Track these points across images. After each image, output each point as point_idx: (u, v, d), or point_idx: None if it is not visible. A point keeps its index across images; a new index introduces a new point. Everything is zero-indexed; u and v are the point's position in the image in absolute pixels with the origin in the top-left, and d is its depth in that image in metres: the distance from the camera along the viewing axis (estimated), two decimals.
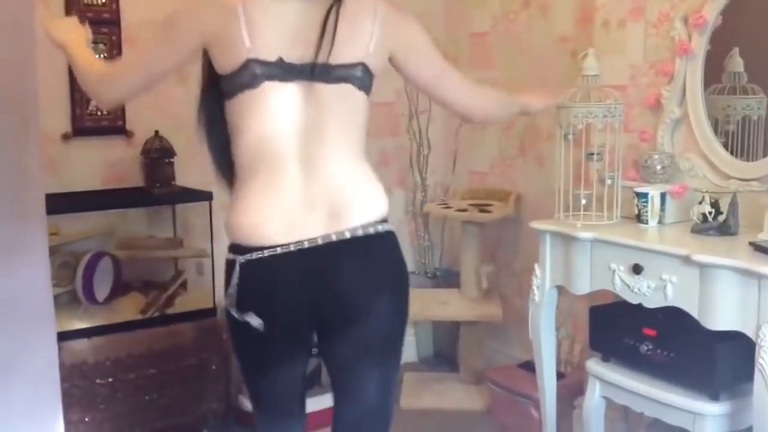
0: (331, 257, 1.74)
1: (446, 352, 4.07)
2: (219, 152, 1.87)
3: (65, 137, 3.26)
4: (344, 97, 1.76)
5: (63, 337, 2.60)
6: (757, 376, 2.08)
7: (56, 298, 2.22)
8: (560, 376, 3.01)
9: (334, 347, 1.83)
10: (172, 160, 3.26)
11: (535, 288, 2.76)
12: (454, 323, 3.81)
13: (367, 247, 1.77)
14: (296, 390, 1.93)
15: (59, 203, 2.81)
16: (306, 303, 1.75)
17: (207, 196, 3.09)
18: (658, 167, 2.67)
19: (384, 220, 1.81)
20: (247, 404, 3.03)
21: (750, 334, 2.12)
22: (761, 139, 2.58)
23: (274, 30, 1.72)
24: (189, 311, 3.17)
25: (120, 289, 3.19)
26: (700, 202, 2.47)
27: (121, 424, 2.96)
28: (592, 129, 2.71)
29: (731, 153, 2.62)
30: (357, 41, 1.76)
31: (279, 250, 1.71)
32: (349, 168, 1.78)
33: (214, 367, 3.12)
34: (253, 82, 1.71)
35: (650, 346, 2.45)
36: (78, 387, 2.82)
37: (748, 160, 2.59)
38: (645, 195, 2.58)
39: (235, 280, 1.74)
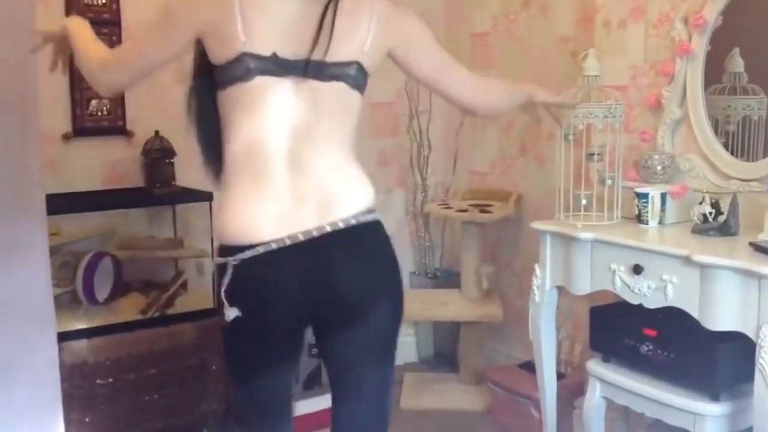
0: (327, 251, 1.72)
1: (446, 352, 4.07)
2: (207, 142, 1.86)
3: (65, 137, 3.26)
4: (337, 95, 1.75)
5: (63, 337, 2.60)
6: (757, 376, 2.08)
7: (56, 298, 2.22)
8: (560, 376, 3.01)
9: (335, 347, 1.82)
10: (172, 160, 3.26)
11: (535, 288, 2.76)
12: (454, 323, 3.80)
13: (360, 238, 1.76)
14: (289, 389, 1.92)
15: (60, 203, 2.81)
16: (305, 302, 1.74)
17: (207, 197, 3.09)
18: (659, 167, 2.67)
19: (371, 210, 1.80)
20: None
21: (750, 334, 2.12)
22: (761, 140, 2.58)
23: (270, 24, 1.71)
24: (189, 311, 3.17)
25: (120, 289, 3.19)
26: (701, 203, 2.47)
27: (122, 425, 2.96)
28: (593, 129, 2.71)
29: (732, 153, 2.62)
30: (352, 40, 1.75)
31: (274, 246, 1.69)
32: (338, 165, 1.77)
33: (214, 367, 3.12)
34: (245, 76, 1.70)
35: (651, 347, 2.45)
36: (78, 387, 2.81)
37: (748, 161, 2.59)
38: (645, 195, 2.58)
39: (226, 281, 1.72)
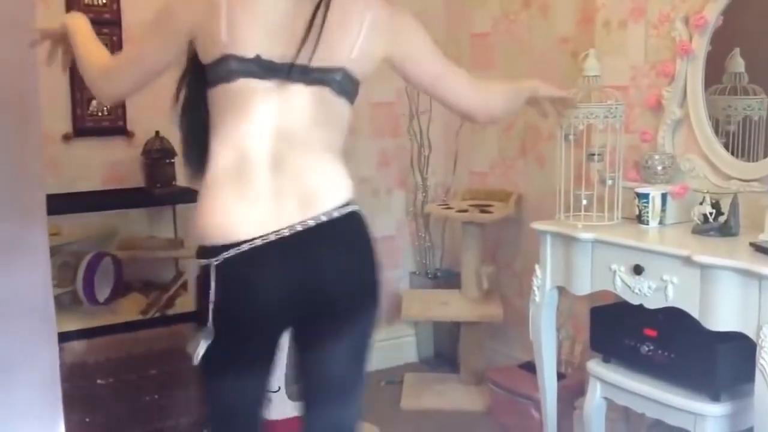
0: (311, 245, 1.70)
1: (447, 352, 4.07)
2: (190, 137, 1.85)
3: (66, 138, 3.26)
4: (321, 99, 1.73)
5: (64, 337, 2.59)
6: (757, 376, 2.08)
7: (57, 298, 2.22)
8: (561, 376, 3.01)
9: (316, 344, 1.79)
10: (172, 160, 3.26)
11: (535, 288, 2.76)
12: (454, 324, 3.80)
13: (342, 231, 1.74)
14: (259, 404, 1.88)
15: (60, 204, 2.81)
16: (290, 299, 1.71)
17: None
18: (659, 168, 2.67)
19: (350, 202, 1.77)
20: None
21: (751, 334, 2.12)
22: (762, 140, 2.57)
23: (256, 25, 1.70)
24: (190, 312, 3.15)
25: (121, 289, 3.19)
26: (701, 203, 2.47)
27: (122, 425, 2.96)
28: (593, 129, 2.71)
29: (732, 153, 2.62)
30: (339, 46, 1.73)
31: (259, 242, 1.67)
32: (319, 166, 1.74)
33: None
34: (228, 77, 1.69)
35: (651, 347, 2.45)
36: (78, 387, 2.81)
37: (748, 161, 2.58)
38: (646, 196, 2.58)
39: (212, 284, 1.69)
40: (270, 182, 1.69)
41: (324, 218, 1.71)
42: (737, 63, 2.64)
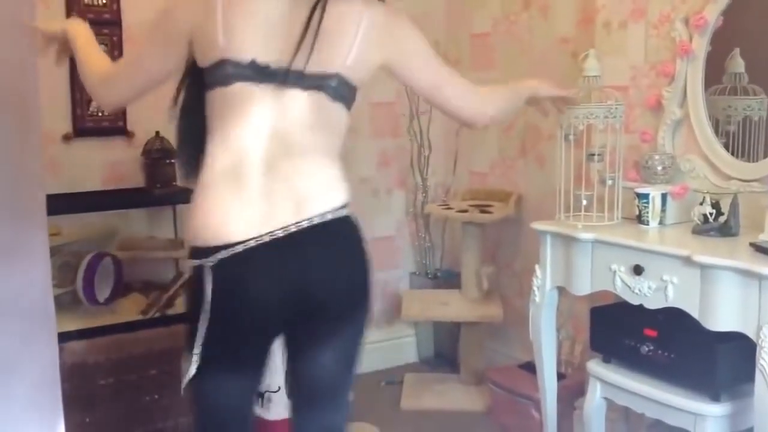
0: (304, 246, 1.69)
1: (447, 352, 4.07)
2: (186, 138, 1.86)
3: (66, 138, 3.26)
4: (317, 104, 1.72)
5: (64, 337, 2.59)
6: (758, 376, 2.08)
7: (57, 298, 2.21)
8: (561, 376, 3.01)
9: (308, 349, 1.79)
10: (172, 160, 3.26)
11: (535, 289, 2.76)
12: (454, 324, 3.80)
13: (335, 234, 1.74)
14: (249, 408, 1.87)
15: (60, 204, 2.81)
16: (283, 301, 1.70)
17: None
18: (659, 168, 2.67)
19: (345, 206, 1.76)
20: None
21: (751, 334, 2.12)
22: (762, 140, 2.57)
23: (251, 28, 1.70)
24: None
25: (121, 289, 3.19)
26: (701, 203, 2.47)
27: (122, 425, 2.96)
28: (593, 130, 2.71)
29: (732, 154, 2.62)
30: (335, 52, 1.72)
31: (253, 243, 1.66)
32: (314, 169, 1.73)
33: None
34: (225, 81, 1.69)
35: (651, 347, 2.45)
36: (79, 387, 2.81)
37: (749, 161, 2.59)
38: (646, 196, 2.58)
39: (206, 285, 1.68)
40: (264, 184, 1.69)
41: (317, 220, 1.70)
42: (737, 63, 2.64)
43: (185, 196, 3.21)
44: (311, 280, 1.71)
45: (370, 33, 1.75)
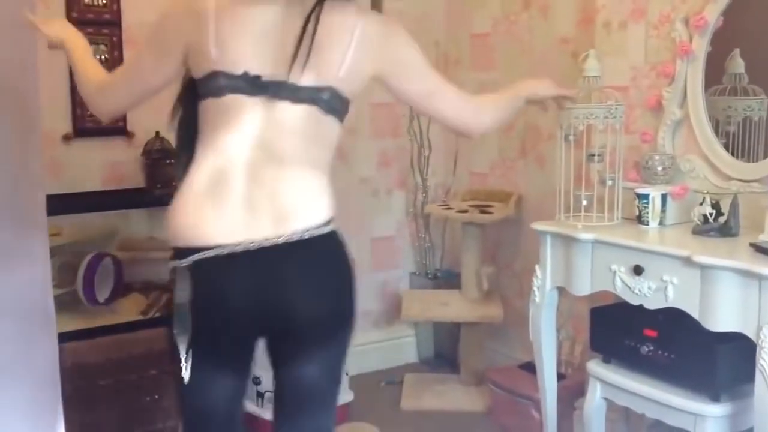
0: (279, 263, 1.67)
1: (447, 353, 4.07)
2: (183, 149, 1.85)
3: (66, 138, 3.26)
4: (308, 117, 1.71)
5: (64, 337, 2.59)
6: (758, 377, 2.08)
7: (57, 298, 2.22)
8: (561, 377, 3.01)
9: (284, 365, 1.78)
10: (173, 161, 3.26)
11: (535, 289, 2.76)
12: (454, 324, 3.80)
13: (313, 252, 1.70)
14: (236, 410, 1.86)
15: (60, 204, 2.80)
16: (255, 314, 1.69)
17: None
18: (659, 168, 2.67)
19: (328, 222, 1.74)
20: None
21: (751, 335, 2.12)
22: (762, 141, 2.58)
23: (244, 41, 1.69)
24: None
25: (121, 290, 3.19)
26: (701, 204, 2.47)
27: (122, 425, 2.96)
28: (593, 130, 2.71)
29: (732, 154, 2.62)
30: (327, 65, 1.70)
31: (225, 251, 1.65)
32: (300, 182, 1.71)
33: None
34: (217, 92, 1.69)
35: (651, 348, 2.45)
36: (79, 387, 2.81)
37: (749, 162, 2.59)
38: (646, 196, 2.58)
39: (179, 285, 1.68)
40: (245, 192, 1.67)
41: (296, 237, 1.67)
42: (737, 64, 2.65)
43: None
44: (288, 300, 1.69)
45: (364, 43, 1.73)
